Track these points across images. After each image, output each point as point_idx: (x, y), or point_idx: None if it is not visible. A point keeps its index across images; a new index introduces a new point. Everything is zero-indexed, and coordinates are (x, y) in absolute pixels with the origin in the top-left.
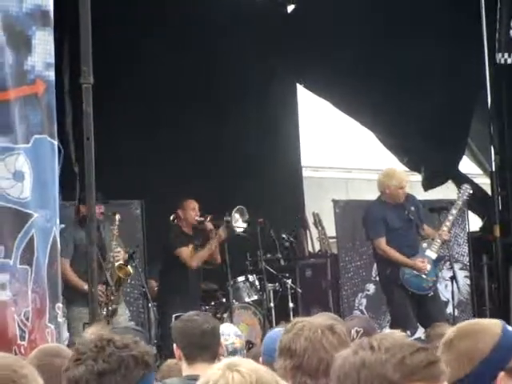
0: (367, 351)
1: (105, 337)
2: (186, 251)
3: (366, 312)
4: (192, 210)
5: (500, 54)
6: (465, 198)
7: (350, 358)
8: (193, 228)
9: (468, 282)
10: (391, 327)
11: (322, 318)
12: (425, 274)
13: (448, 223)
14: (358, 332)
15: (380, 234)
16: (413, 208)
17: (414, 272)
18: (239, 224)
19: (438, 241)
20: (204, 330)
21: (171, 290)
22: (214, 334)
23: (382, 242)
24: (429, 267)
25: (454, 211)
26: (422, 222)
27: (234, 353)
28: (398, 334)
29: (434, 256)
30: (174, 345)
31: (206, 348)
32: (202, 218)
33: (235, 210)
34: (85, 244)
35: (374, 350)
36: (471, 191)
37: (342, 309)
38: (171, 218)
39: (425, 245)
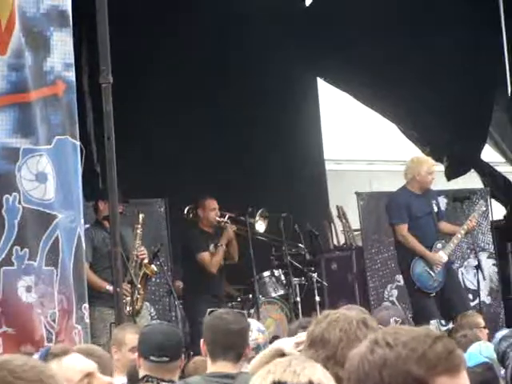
0: (385, 348)
1: None
2: (206, 257)
3: (397, 303)
4: (212, 211)
5: None
6: (479, 212)
7: (368, 356)
8: (212, 227)
9: (496, 269)
10: (413, 319)
11: (354, 312)
12: (434, 273)
13: (460, 234)
14: (396, 321)
15: (403, 219)
16: (434, 201)
17: (426, 268)
18: (260, 226)
19: (452, 245)
20: (229, 329)
21: (196, 288)
22: (241, 334)
23: (404, 228)
24: (439, 268)
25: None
26: (441, 218)
27: (256, 349)
28: (407, 326)
29: (445, 258)
30: (202, 340)
31: (229, 348)
32: (223, 219)
33: (259, 212)
34: (106, 244)
35: (392, 347)
36: (484, 208)
37: (370, 301)
38: (185, 210)
39: (439, 245)
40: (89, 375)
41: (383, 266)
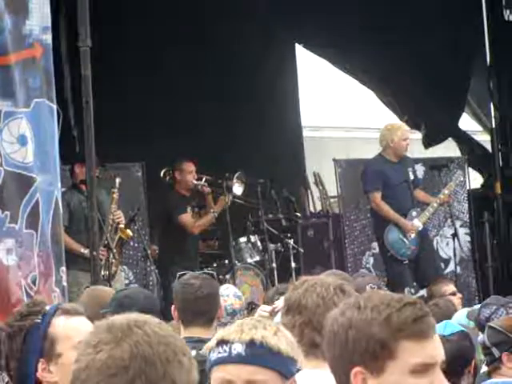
0: (354, 311)
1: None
2: (187, 218)
3: (373, 270)
4: (189, 173)
5: (508, 11)
6: (456, 182)
7: (338, 318)
8: (189, 190)
9: (469, 239)
10: (387, 286)
11: (331, 278)
12: (407, 240)
13: (435, 204)
14: (372, 288)
15: (376, 187)
16: (411, 169)
17: (400, 236)
18: (237, 189)
19: (427, 213)
20: (198, 296)
21: (171, 251)
22: (210, 299)
23: (378, 196)
24: (413, 235)
25: (441, 196)
26: (417, 186)
27: (233, 314)
28: (384, 291)
29: (420, 226)
30: (173, 306)
31: (200, 314)
32: (200, 182)
33: (236, 175)
34: (82, 207)
35: (361, 309)
36: (462, 178)
37: (347, 268)
38: (162, 173)
39: (414, 213)
40: None
41: (361, 233)
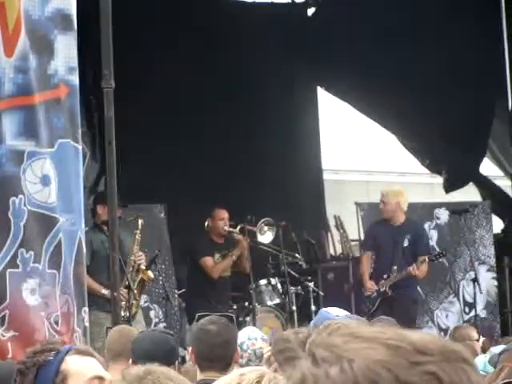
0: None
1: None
2: (209, 261)
3: None
4: (221, 220)
5: None
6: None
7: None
8: (223, 237)
9: (495, 283)
10: None
11: (349, 321)
12: (368, 298)
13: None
14: None
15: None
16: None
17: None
18: (267, 236)
19: (393, 278)
20: (215, 343)
21: (197, 295)
22: (226, 346)
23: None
24: (374, 294)
25: None
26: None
27: (261, 357)
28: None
29: (373, 288)
30: (190, 348)
31: (216, 359)
32: (232, 229)
33: (263, 221)
34: (104, 247)
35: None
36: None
37: None
38: (206, 224)
39: (385, 276)
40: (101, 378)
41: None
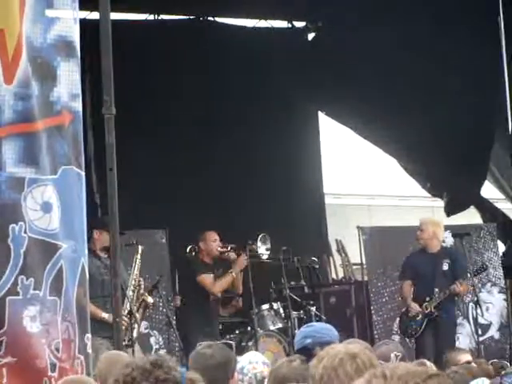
0: (380, 379)
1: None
2: (208, 278)
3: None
4: (213, 242)
5: None
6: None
7: None
8: (213, 258)
9: (506, 305)
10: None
11: (351, 346)
12: (413, 321)
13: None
14: (397, 356)
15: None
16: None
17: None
18: (262, 251)
19: (438, 299)
20: (208, 364)
21: (191, 311)
22: (220, 367)
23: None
24: (419, 316)
25: None
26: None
27: (262, 381)
28: (411, 364)
29: (417, 310)
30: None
31: (211, 382)
32: (224, 249)
33: (259, 237)
34: (100, 273)
35: (387, 379)
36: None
37: (374, 335)
38: (187, 249)
39: (427, 298)
40: None
41: (390, 299)
